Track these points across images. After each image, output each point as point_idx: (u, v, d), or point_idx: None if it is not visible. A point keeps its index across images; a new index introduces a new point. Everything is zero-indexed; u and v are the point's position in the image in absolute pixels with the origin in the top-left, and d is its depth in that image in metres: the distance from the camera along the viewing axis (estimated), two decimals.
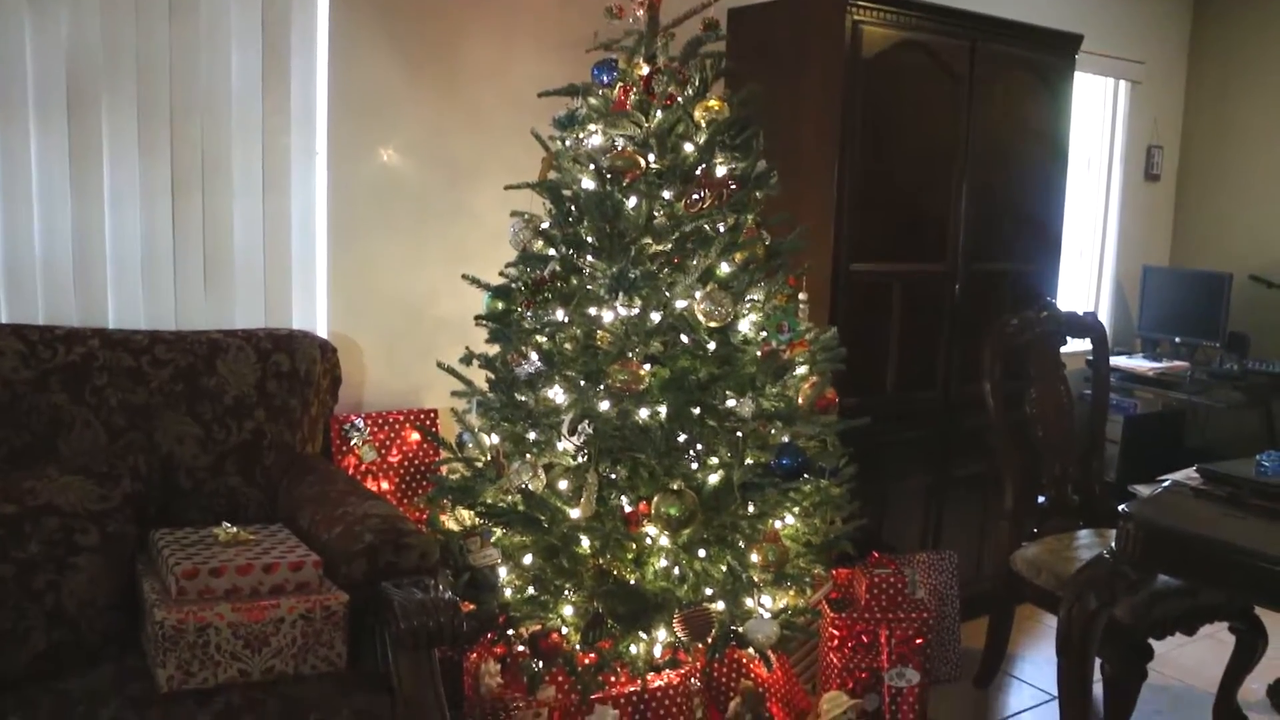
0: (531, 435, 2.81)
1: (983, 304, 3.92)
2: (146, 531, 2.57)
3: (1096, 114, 5.65)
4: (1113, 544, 2.69)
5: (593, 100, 2.87)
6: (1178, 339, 5.47)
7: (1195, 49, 5.95)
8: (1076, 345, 3.87)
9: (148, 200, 3.10)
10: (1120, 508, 2.66)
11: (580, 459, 2.71)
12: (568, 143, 2.93)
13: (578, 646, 2.73)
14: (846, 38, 3.46)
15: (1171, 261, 6.04)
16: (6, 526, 2.29)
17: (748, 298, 2.80)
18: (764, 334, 2.82)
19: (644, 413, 2.68)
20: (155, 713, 2.10)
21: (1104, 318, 5.75)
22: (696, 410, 2.72)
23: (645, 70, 2.84)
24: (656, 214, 2.76)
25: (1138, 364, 5.40)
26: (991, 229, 3.97)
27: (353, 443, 3.27)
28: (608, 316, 2.72)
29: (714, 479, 2.74)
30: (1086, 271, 5.75)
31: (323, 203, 3.37)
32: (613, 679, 2.80)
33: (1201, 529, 2.55)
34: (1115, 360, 5.12)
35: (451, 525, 2.99)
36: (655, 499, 2.63)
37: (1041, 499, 3.56)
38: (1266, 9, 5.63)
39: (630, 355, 2.64)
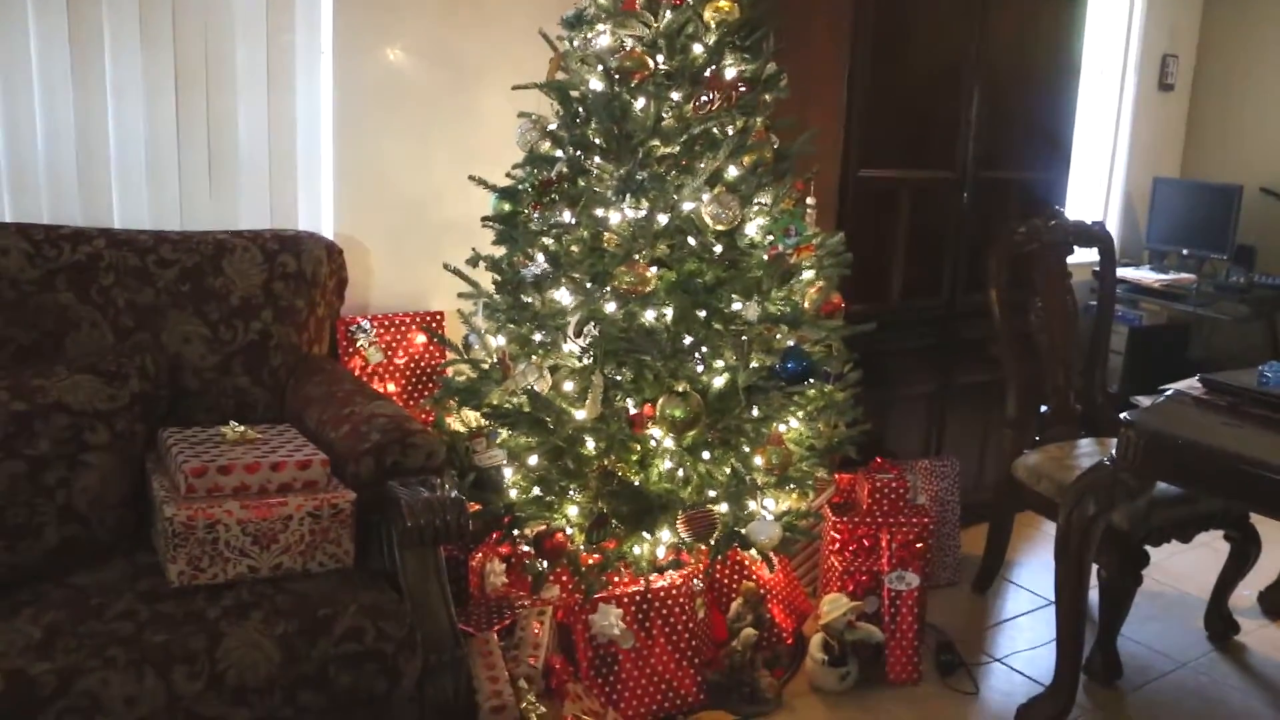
0: (537, 337, 2.82)
1: (990, 212, 3.89)
2: (155, 430, 2.60)
3: (1112, 21, 5.54)
4: (1113, 452, 2.71)
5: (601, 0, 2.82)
6: (1185, 251, 5.44)
7: None
8: (1083, 256, 3.85)
9: (151, 96, 3.07)
10: (1121, 416, 2.67)
11: (586, 361, 2.72)
12: (575, 43, 2.88)
13: (582, 547, 2.77)
14: None
15: (1183, 173, 5.97)
16: (17, 424, 2.31)
17: (755, 201, 2.78)
18: (771, 238, 2.81)
19: (650, 315, 2.69)
20: (167, 606, 2.13)
21: (1112, 229, 5.70)
22: (702, 313, 2.72)
23: None
24: (664, 116, 2.73)
25: (1144, 275, 5.38)
26: (1001, 137, 3.92)
27: (359, 344, 3.28)
28: (614, 218, 2.71)
29: (719, 382, 2.75)
30: (1096, 181, 5.69)
31: (328, 101, 3.33)
32: (616, 579, 2.84)
33: (1202, 437, 2.56)
34: (1122, 271, 5.11)
35: (457, 426, 3.02)
36: (660, 401, 2.65)
37: (1044, 408, 3.57)
38: None
39: (637, 257, 2.63)
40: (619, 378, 2.73)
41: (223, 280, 2.94)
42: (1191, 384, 2.89)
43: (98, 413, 2.45)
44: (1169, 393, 2.87)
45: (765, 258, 2.76)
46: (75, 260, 2.77)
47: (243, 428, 2.54)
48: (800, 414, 2.89)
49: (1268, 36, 5.60)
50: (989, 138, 3.87)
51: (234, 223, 3.23)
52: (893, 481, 3.14)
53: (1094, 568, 2.90)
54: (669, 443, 2.70)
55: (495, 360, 2.88)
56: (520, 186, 2.87)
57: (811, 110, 3.43)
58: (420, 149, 3.48)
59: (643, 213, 2.66)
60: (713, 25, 2.78)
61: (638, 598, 2.78)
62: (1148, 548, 3.04)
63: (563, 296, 2.73)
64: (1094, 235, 3.70)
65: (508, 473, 2.86)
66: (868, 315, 3.14)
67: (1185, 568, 3.88)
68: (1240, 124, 5.74)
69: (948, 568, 3.68)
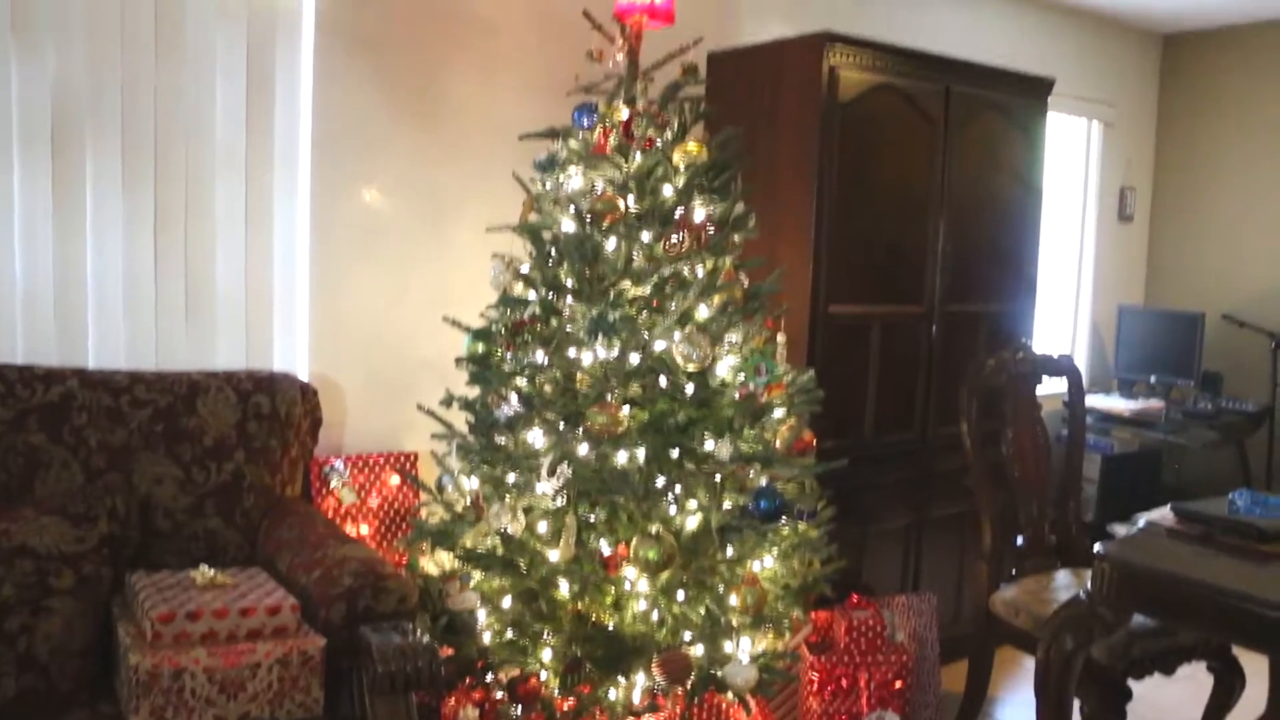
0: (511, 478, 2.81)
1: (960, 345, 3.95)
2: (123, 574, 2.56)
3: (1070, 155, 5.73)
4: (1089, 585, 2.70)
5: (573, 143, 2.90)
6: (1153, 379, 5.52)
7: (1165, 92, 6.06)
8: (1054, 385, 3.90)
9: (130, 235, 3.11)
10: (1095, 548, 2.67)
11: (559, 502, 2.71)
12: (548, 185, 2.95)
13: (556, 691, 2.72)
14: (823, 82, 3.51)
15: (1146, 301, 6.10)
16: None
17: (726, 340, 2.81)
18: (742, 376, 2.84)
19: (623, 455, 2.69)
20: None
21: (1081, 358, 5.80)
22: (675, 453, 2.73)
23: (625, 114, 2.86)
24: (635, 256, 2.78)
25: (1115, 404, 5.44)
26: (968, 271, 4.01)
27: (332, 485, 3.26)
28: (587, 359, 2.73)
29: (692, 522, 2.74)
30: (1063, 311, 5.80)
31: (305, 239, 3.38)
32: None
33: (1175, 568, 2.57)
34: (1092, 400, 5.17)
35: (431, 569, 2.98)
36: (634, 542, 2.63)
37: (1020, 540, 3.57)
38: (1231, 53, 5.74)
39: (609, 398, 2.65)
40: (592, 519, 2.72)
41: (196, 420, 2.93)
42: (1164, 514, 2.90)
43: (64, 556, 2.42)
44: (1142, 524, 2.88)
45: (737, 396, 2.78)
46: (48, 400, 2.77)
47: (213, 571, 2.52)
48: (775, 552, 2.87)
49: (1219, 168, 5.80)
50: (956, 271, 3.95)
51: (210, 360, 3.23)
52: (870, 619, 3.12)
53: (1076, 704, 2.86)
54: (643, 584, 2.68)
55: (469, 502, 2.87)
56: (494, 327, 2.90)
57: (780, 248, 3.50)
58: (396, 288, 3.52)
59: (615, 353, 2.68)
60: (682, 167, 2.86)
61: None
62: (1130, 681, 3.00)
63: (536, 438, 2.74)
64: (1061, 367, 3.74)
65: (481, 616, 2.82)
66: (840, 451, 3.16)
67: (1171, 701, 3.83)
68: (1199, 253, 5.90)
69: (929, 706, 3.62)
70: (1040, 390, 3.67)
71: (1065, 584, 3.39)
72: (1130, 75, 5.89)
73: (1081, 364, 5.42)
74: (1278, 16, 5.45)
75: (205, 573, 2.49)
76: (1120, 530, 2.98)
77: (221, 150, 3.23)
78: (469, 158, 3.61)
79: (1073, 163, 5.75)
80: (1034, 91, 4.21)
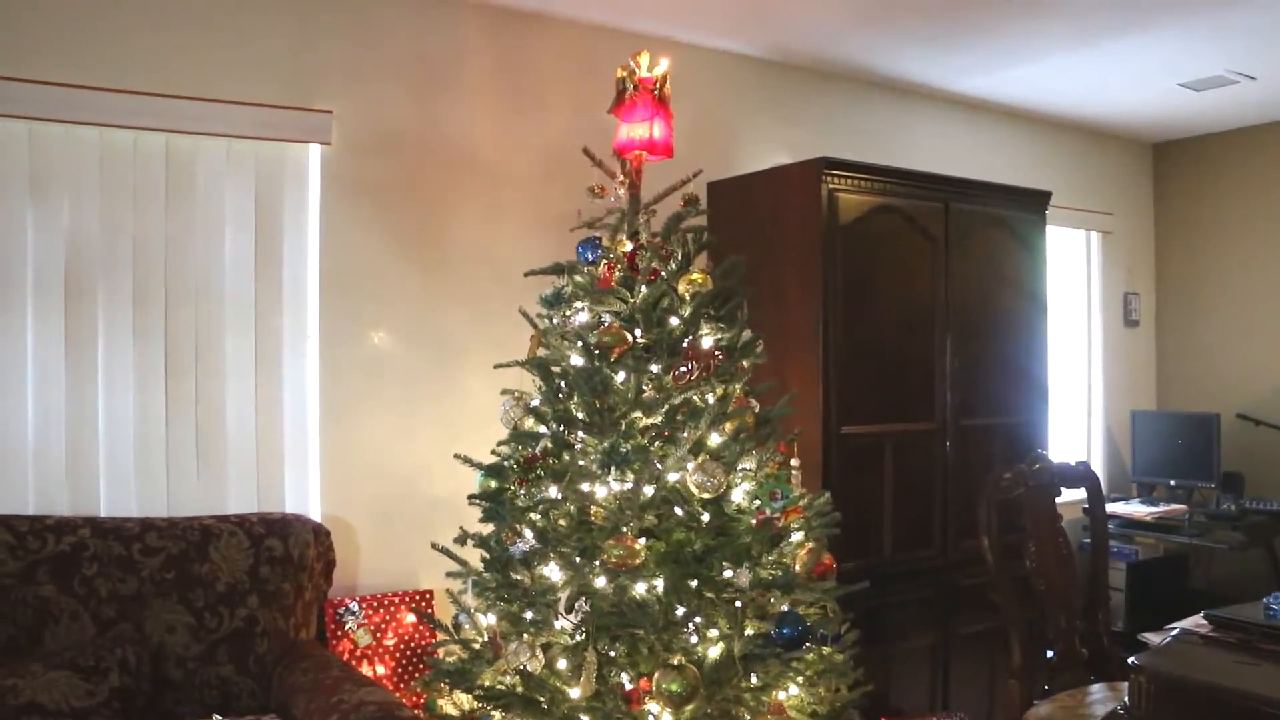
0: (528, 614, 2.77)
1: (975, 459, 3.93)
2: None
3: (1072, 264, 5.78)
4: (1126, 699, 2.63)
5: (578, 278, 2.93)
6: (1173, 482, 5.47)
7: (1159, 199, 6.15)
8: (1073, 494, 3.87)
9: (141, 384, 3.14)
10: (1130, 660, 2.61)
11: (578, 637, 2.66)
12: (555, 320, 2.97)
13: None
14: (823, 206, 3.57)
15: (1159, 405, 6.08)
16: None
17: (740, 467, 2.80)
18: (758, 502, 2.81)
19: (641, 587, 2.65)
20: None
21: (1097, 464, 5.75)
22: (694, 582, 2.69)
23: (629, 247, 2.90)
24: (645, 387, 2.78)
25: (1135, 509, 5.38)
26: (978, 383, 4.01)
27: (347, 626, 3.22)
28: (601, 491, 2.71)
29: (714, 652, 2.69)
30: (1076, 419, 5.78)
31: (315, 384, 3.41)
32: None
33: (1214, 678, 2.51)
34: (1112, 507, 5.11)
35: (450, 709, 2.92)
36: (656, 675, 2.57)
37: (1050, 653, 3.49)
38: (1219, 157, 5.85)
39: (625, 530, 2.62)
40: (613, 653, 2.66)
41: (209, 566, 2.92)
42: (1198, 621, 2.85)
43: (74, 711, 2.39)
44: (1175, 632, 2.81)
45: (753, 523, 2.76)
46: (59, 550, 2.77)
47: None
48: (800, 680, 2.80)
49: (1219, 268, 5.85)
50: (966, 384, 3.95)
51: (222, 505, 3.23)
52: None
53: None
54: (668, 718, 2.61)
55: (486, 639, 2.82)
56: (505, 463, 2.89)
57: (790, 371, 3.51)
58: (406, 428, 3.53)
59: (628, 484, 2.67)
60: (687, 297, 2.88)
61: None
62: None
63: (552, 572, 2.71)
64: (1079, 475, 3.71)
65: None
66: (861, 571, 3.12)
67: None
68: (1208, 353, 5.90)
69: None
70: (1060, 499, 3.63)
71: (1101, 698, 3.30)
72: (1125, 184, 5.99)
73: (1098, 471, 5.37)
74: (1260, 120, 5.56)
75: None
76: (1153, 639, 2.91)
77: (230, 298, 3.29)
78: (474, 297, 3.66)
79: (1075, 272, 5.80)
80: (1032, 204, 4.27)
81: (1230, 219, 5.79)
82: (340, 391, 3.43)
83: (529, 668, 2.66)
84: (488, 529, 2.94)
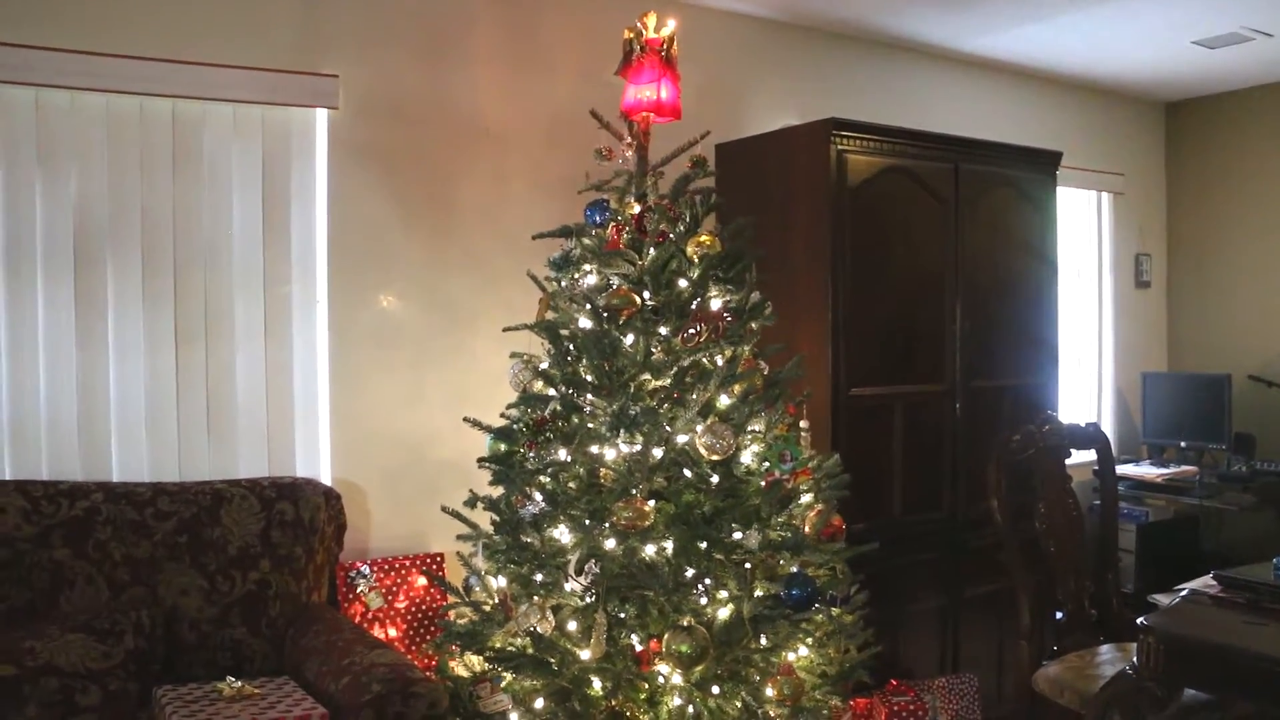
0: (538, 576, 2.78)
1: (984, 421, 3.92)
2: (149, 688, 2.54)
3: (1083, 226, 5.74)
4: (1135, 659, 2.64)
5: (586, 240, 2.92)
6: (1183, 444, 5.46)
7: (1171, 159, 6.10)
8: (1083, 455, 3.86)
9: (151, 351, 3.15)
10: (1139, 620, 2.62)
11: (588, 599, 2.68)
12: (563, 283, 2.96)
13: None
14: (832, 167, 3.55)
15: (1169, 366, 6.06)
16: (4, 689, 2.26)
17: (749, 429, 2.80)
18: (766, 464, 2.82)
19: (650, 549, 2.66)
20: None
21: (1107, 426, 5.74)
22: (703, 544, 2.70)
23: (636, 209, 2.89)
24: (654, 350, 2.78)
25: (1146, 471, 5.37)
26: (987, 345, 4.00)
27: (359, 590, 3.24)
28: (610, 454, 2.72)
29: (724, 613, 2.70)
30: (1086, 381, 5.76)
31: (324, 349, 3.41)
32: None
33: (1223, 638, 2.52)
34: (1123, 468, 5.10)
35: (461, 671, 2.94)
36: (666, 636, 2.59)
37: (1059, 615, 3.50)
38: (1233, 117, 5.79)
39: (634, 492, 2.63)
40: (623, 614, 2.68)
41: (220, 530, 2.93)
42: (1207, 582, 2.85)
43: (90, 673, 2.41)
44: (1185, 593, 2.82)
45: (763, 484, 2.76)
46: (72, 515, 2.79)
47: (240, 683, 2.50)
48: (809, 641, 2.82)
49: (1231, 229, 5.80)
50: (976, 346, 3.94)
51: (233, 471, 3.25)
52: (910, 704, 3.05)
53: None
54: (677, 679, 2.63)
55: (497, 602, 2.84)
56: (515, 426, 2.89)
57: (799, 333, 3.50)
58: (415, 392, 3.54)
59: (637, 447, 2.67)
60: (696, 259, 2.87)
61: None
62: None
63: (562, 535, 2.72)
64: (1089, 437, 3.70)
65: (514, 718, 2.77)
66: (870, 533, 3.12)
67: None
68: (1219, 314, 5.87)
69: None
70: (1069, 461, 3.63)
71: (1110, 659, 3.31)
72: (1136, 145, 5.94)
73: (1108, 432, 5.35)
74: (1276, 78, 5.49)
75: (232, 684, 2.48)
76: (1162, 600, 2.91)
77: (239, 263, 3.29)
78: (482, 261, 3.66)
79: (1085, 233, 5.76)
80: (1043, 165, 4.24)
81: (1243, 180, 5.74)
82: (349, 355, 3.44)
83: (539, 630, 2.68)
84: (498, 492, 2.95)
